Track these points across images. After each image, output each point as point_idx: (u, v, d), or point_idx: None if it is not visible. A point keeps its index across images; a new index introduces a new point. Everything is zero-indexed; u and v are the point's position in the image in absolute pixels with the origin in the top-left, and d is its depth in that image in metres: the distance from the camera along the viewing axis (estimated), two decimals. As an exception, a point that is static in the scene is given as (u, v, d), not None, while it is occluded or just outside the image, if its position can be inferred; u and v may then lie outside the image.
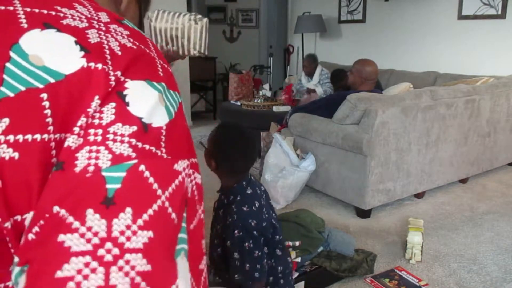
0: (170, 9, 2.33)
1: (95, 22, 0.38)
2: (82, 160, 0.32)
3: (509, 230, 2.62)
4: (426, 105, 2.87)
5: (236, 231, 1.41)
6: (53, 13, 0.37)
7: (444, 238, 2.53)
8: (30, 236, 0.31)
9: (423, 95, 2.91)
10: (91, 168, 0.32)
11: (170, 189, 0.35)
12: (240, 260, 1.39)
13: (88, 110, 0.34)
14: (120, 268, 0.31)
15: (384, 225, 2.70)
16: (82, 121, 0.33)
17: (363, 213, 2.79)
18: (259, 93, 4.91)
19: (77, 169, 0.32)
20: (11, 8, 0.37)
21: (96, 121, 0.34)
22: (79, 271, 0.30)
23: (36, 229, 0.31)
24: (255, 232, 1.42)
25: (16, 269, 0.31)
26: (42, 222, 0.31)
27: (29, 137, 0.32)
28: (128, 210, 0.32)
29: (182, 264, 0.35)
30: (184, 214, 0.36)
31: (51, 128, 0.32)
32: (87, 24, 0.37)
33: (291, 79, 5.81)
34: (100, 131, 0.33)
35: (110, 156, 0.33)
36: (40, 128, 0.32)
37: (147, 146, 0.34)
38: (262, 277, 1.41)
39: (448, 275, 2.14)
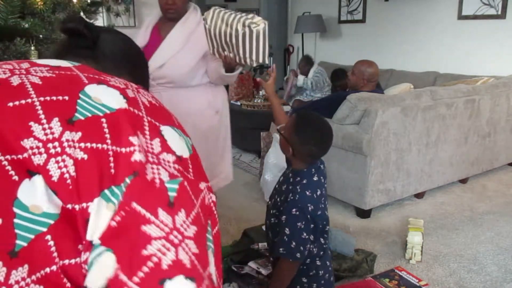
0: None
1: (129, 86, 0.55)
2: (149, 172, 0.46)
3: (509, 230, 2.62)
4: (426, 105, 2.87)
5: (293, 210, 1.54)
6: (102, 77, 0.53)
7: (444, 238, 2.53)
8: (113, 223, 0.43)
9: (423, 95, 2.91)
10: (158, 180, 0.46)
11: (199, 200, 0.49)
12: (289, 237, 1.52)
13: (135, 140, 0.47)
14: (183, 248, 0.44)
15: (384, 225, 2.70)
16: (135, 147, 0.46)
17: (363, 213, 2.79)
18: (259, 93, 4.91)
19: (148, 178, 0.45)
20: (74, 73, 0.52)
21: (150, 149, 0.48)
22: (158, 250, 0.43)
23: (117, 218, 0.43)
24: (309, 217, 1.54)
25: (98, 250, 0.42)
26: (123, 213, 0.43)
27: (94, 145, 0.45)
28: (182, 210, 0.46)
29: (211, 257, 0.49)
30: (209, 221, 0.51)
31: (108, 141, 0.46)
32: (125, 86, 0.53)
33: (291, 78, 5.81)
34: (155, 156, 0.47)
35: (167, 173, 0.47)
36: (101, 140, 0.46)
37: (183, 169, 0.49)
38: (300, 259, 1.53)
39: (448, 275, 2.14)
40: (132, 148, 0.46)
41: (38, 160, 0.43)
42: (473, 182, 3.43)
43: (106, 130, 0.46)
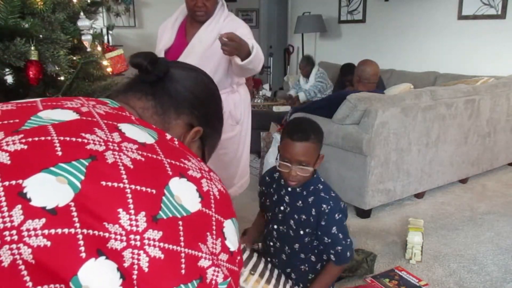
0: (170, 8, 2.25)
1: (204, 172, 0.59)
2: (209, 275, 0.53)
3: (509, 230, 2.62)
4: (426, 105, 2.87)
5: (336, 215, 1.57)
6: (182, 165, 0.57)
7: (444, 238, 2.53)
8: None
9: (423, 95, 2.91)
10: (214, 282, 0.53)
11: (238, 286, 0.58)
12: (345, 240, 1.59)
13: (208, 242, 0.54)
14: None
15: (384, 225, 2.70)
16: (205, 248, 0.53)
17: (363, 213, 2.79)
18: (259, 93, 4.91)
19: (207, 281, 0.52)
20: (159, 158, 0.56)
21: (214, 250, 0.54)
22: None
23: None
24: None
25: None
26: None
27: (170, 246, 0.50)
28: None
29: None
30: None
31: (182, 243, 0.50)
32: (200, 175, 0.58)
33: (291, 78, 5.81)
34: (215, 257, 0.54)
35: (222, 275, 0.54)
36: (177, 242, 0.50)
37: (231, 266, 0.57)
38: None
39: (448, 275, 2.14)
40: (199, 254, 0.52)
41: (116, 245, 0.47)
42: (473, 182, 3.43)
43: (181, 233, 0.51)
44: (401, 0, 5.04)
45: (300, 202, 1.62)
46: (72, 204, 0.46)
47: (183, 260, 0.50)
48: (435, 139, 2.98)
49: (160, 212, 0.50)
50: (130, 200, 0.49)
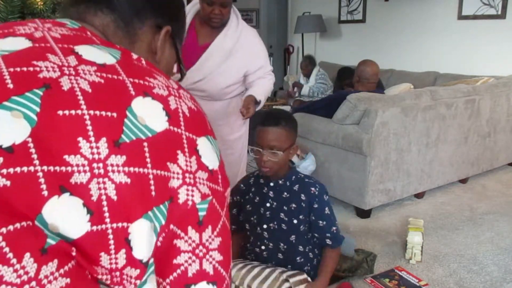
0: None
1: (172, 89, 0.56)
2: (182, 195, 0.51)
3: (509, 230, 2.62)
4: (426, 105, 2.87)
5: (324, 195, 1.65)
6: (147, 83, 0.54)
7: (444, 238, 2.53)
8: (158, 243, 0.50)
9: (423, 95, 2.91)
10: (190, 202, 0.51)
11: (224, 209, 0.55)
12: (335, 222, 1.66)
13: (178, 161, 0.51)
14: (207, 260, 0.52)
15: (384, 225, 2.70)
16: (176, 167, 0.51)
17: (363, 213, 2.79)
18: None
19: (180, 201, 0.51)
20: (121, 78, 0.52)
21: (189, 168, 0.52)
22: (185, 261, 0.51)
23: (160, 239, 0.50)
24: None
25: (151, 268, 0.49)
26: (163, 234, 0.50)
27: (136, 169, 0.48)
28: (209, 227, 0.53)
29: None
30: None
31: (149, 165, 0.48)
32: (167, 92, 0.55)
33: (291, 78, 5.81)
34: (191, 176, 0.51)
35: (199, 194, 0.52)
36: (143, 165, 0.48)
37: (213, 185, 0.54)
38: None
39: (448, 275, 2.14)
40: (168, 174, 0.50)
41: (80, 178, 0.45)
42: (473, 182, 3.43)
43: (147, 155, 0.49)
44: (401, 0, 5.04)
45: (285, 193, 1.66)
46: (30, 140, 0.44)
47: (152, 182, 0.48)
48: (435, 139, 2.98)
49: (122, 135, 0.48)
50: (90, 127, 0.46)
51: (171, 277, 0.50)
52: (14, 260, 0.41)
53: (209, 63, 1.96)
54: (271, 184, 1.69)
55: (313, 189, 1.65)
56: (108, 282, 0.48)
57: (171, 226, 0.50)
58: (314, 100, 4.64)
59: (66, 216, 0.44)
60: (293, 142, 1.64)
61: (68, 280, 0.44)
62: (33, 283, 0.42)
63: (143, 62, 0.58)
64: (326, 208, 1.66)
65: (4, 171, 0.43)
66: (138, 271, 0.48)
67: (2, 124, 0.44)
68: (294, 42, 6.88)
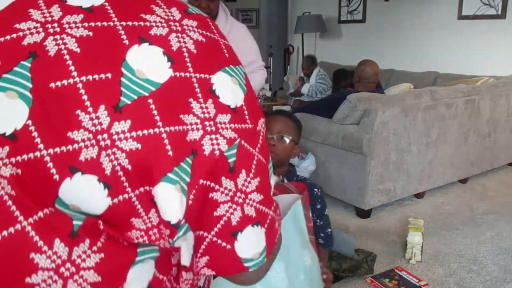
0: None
1: (172, 23, 0.48)
2: (207, 145, 0.45)
3: (509, 230, 2.62)
4: (426, 105, 2.87)
5: (324, 197, 1.69)
6: (142, 23, 0.46)
7: (444, 238, 2.53)
8: (189, 202, 0.45)
9: (423, 95, 2.91)
10: (217, 152, 0.46)
11: (258, 145, 0.50)
12: (330, 222, 1.68)
13: (193, 110, 0.45)
14: (247, 204, 0.48)
15: (384, 225, 2.70)
16: (191, 118, 0.45)
17: (363, 213, 2.79)
18: (259, 93, 4.91)
19: (206, 153, 0.45)
20: (111, 23, 0.45)
21: (206, 114, 0.46)
22: (226, 211, 0.47)
23: (191, 197, 0.45)
24: None
25: (184, 229, 0.46)
26: (194, 191, 0.45)
27: (145, 132, 0.43)
28: (243, 171, 0.48)
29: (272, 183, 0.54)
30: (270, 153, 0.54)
31: (159, 123, 0.43)
32: (167, 29, 0.47)
33: (291, 78, 5.81)
34: (211, 122, 0.46)
35: (225, 141, 0.46)
36: (152, 125, 0.43)
37: (239, 126, 0.48)
38: None
39: (448, 275, 2.14)
40: (185, 128, 0.44)
41: (89, 154, 0.42)
42: (473, 182, 3.43)
43: (155, 113, 0.43)
44: (401, 0, 5.04)
45: None
46: (30, 122, 0.41)
47: (166, 141, 0.43)
48: (435, 139, 2.98)
49: (122, 98, 0.42)
50: (85, 97, 0.41)
51: (215, 229, 0.47)
52: (45, 248, 0.41)
53: None
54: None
55: (316, 190, 1.69)
56: (147, 241, 0.46)
57: (201, 181, 0.45)
58: (314, 100, 4.64)
59: (83, 196, 0.43)
60: (296, 141, 1.70)
61: (102, 254, 0.44)
62: (68, 265, 0.42)
63: None
64: (326, 210, 1.70)
65: (13, 160, 0.41)
66: (168, 231, 0.46)
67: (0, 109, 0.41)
68: (294, 42, 6.88)
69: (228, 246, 0.48)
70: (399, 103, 2.76)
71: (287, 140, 1.65)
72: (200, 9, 1.94)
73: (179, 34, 0.47)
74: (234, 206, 0.48)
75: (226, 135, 0.46)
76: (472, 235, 2.56)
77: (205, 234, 0.48)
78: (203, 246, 0.48)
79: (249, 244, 0.49)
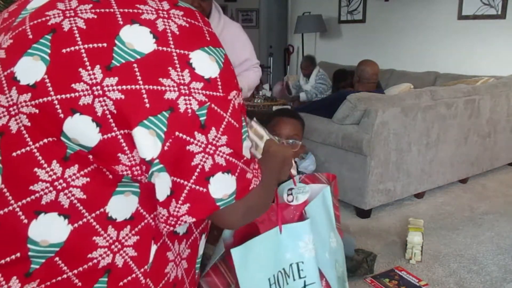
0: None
1: (161, 11, 0.60)
2: (182, 105, 0.57)
3: (509, 230, 2.62)
4: (426, 105, 2.87)
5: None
6: (136, 11, 0.59)
7: (444, 238, 2.53)
8: (165, 148, 0.57)
9: (423, 95, 2.91)
10: (190, 110, 0.57)
11: (229, 111, 0.61)
12: None
13: (171, 76, 0.57)
14: (217, 154, 0.59)
15: (384, 225, 2.70)
16: (169, 81, 0.57)
17: (363, 213, 2.79)
18: (259, 93, 4.91)
19: (181, 111, 0.57)
20: (112, 10, 0.59)
21: (182, 81, 0.57)
22: (200, 160, 0.58)
23: (167, 144, 0.56)
24: None
25: (157, 167, 0.57)
26: (171, 140, 0.57)
27: (129, 86, 0.56)
28: (213, 128, 0.59)
29: (245, 143, 0.64)
30: (243, 117, 0.64)
31: (140, 82, 0.56)
32: (155, 16, 0.60)
33: (291, 78, 5.82)
34: (186, 87, 0.57)
35: (196, 102, 0.58)
36: (134, 82, 0.56)
37: (210, 92, 0.59)
38: None
39: (448, 275, 2.14)
40: (162, 88, 0.57)
41: (86, 100, 0.56)
42: (473, 182, 3.43)
43: (138, 74, 0.56)
44: (401, 0, 5.04)
45: None
46: (46, 76, 0.56)
47: (145, 96, 0.56)
48: (435, 139, 2.98)
49: (113, 61, 0.56)
50: (86, 59, 0.56)
51: (193, 177, 0.58)
52: (45, 165, 0.57)
53: None
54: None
55: None
56: (130, 175, 0.59)
57: (177, 133, 0.57)
58: (314, 100, 4.64)
59: (81, 131, 0.56)
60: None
61: (88, 179, 0.58)
62: (61, 181, 0.57)
63: None
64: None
65: (33, 102, 0.57)
66: (144, 167, 0.58)
67: (29, 67, 0.57)
68: (294, 42, 6.88)
69: (204, 190, 0.59)
70: (399, 103, 2.76)
71: (298, 143, 1.62)
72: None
73: (165, 20, 0.60)
74: (206, 156, 0.59)
75: (197, 98, 0.58)
76: (472, 235, 2.56)
77: (185, 182, 0.59)
78: (184, 195, 0.59)
79: (220, 186, 0.60)
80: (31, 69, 0.57)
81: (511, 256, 2.31)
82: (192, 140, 0.58)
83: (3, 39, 0.62)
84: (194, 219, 0.60)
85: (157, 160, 0.57)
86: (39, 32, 0.59)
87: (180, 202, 0.59)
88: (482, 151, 3.40)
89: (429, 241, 2.45)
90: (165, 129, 0.56)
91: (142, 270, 0.63)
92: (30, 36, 0.59)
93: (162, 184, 0.59)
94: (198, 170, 0.59)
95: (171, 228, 0.61)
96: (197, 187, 0.59)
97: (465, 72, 4.24)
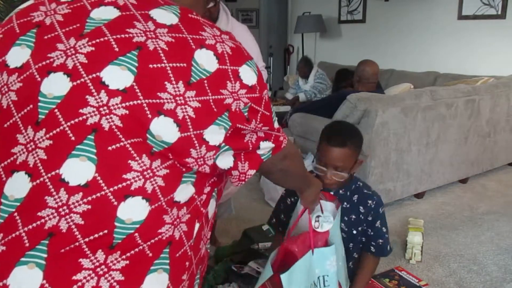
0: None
1: (217, 37, 0.76)
2: (234, 107, 0.75)
3: (509, 230, 2.62)
4: (426, 105, 2.87)
5: (380, 209, 1.66)
6: (201, 37, 0.73)
7: (444, 238, 2.53)
8: (227, 134, 0.75)
9: (423, 95, 2.91)
10: (238, 110, 0.76)
11: (262, 105, 0.81)
12: (387, 234, 1.67)
13: (227, 87, 0.73)
14: (259, 131, 0.82)
15: (384, 225, 2.70)
16: (226, 92, 0.73)
17: (363, 213, 2.79)
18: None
19: (233, 110, 0.75)
20: (184, 35, 0.72)
21: (234, 90, 0.74)
22: (250, 137, 0.81)
23: (229, 132, 0.76)
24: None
25: (224, 148, 0.75)
26: (232, 129, 0.76)
27: (203, 98, 0.72)
28: (253, 120, 0.80)
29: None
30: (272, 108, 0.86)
31: (209, 93, 0.72)
32: (214, 41, 0.74)
33: (290, 78, 5.82)
34: (236, 94, 0.75)
35: (243, 103, 0.76)
36: (205, 94, 0.72)
37: (251, 95, 0.78)
38: None
39: (448, 275, 2.14)
40: (222, 96, 0.72)
41: (169, 106, 0.68)
42: (473, 182, 3.43)
43: (207, 87, 0.70)
44: (401, 0, 5.04)
45: (345, 203, 1.62)
46: (134, 84, 0.67)
47: (212, 104, 0.71)
48: (435, 139, 2.98)
49: (191, 78, 0.70)
50: (171, 75, 0.68)
51: (249, 148, 0.80)
52: (137, 158, 0.68)
53: None
54: (332, 193, 1.62)
55: (370, 202, 1.62)
56: (196, 166, 0.73)
57: (238, 125, 0.75)
58: (314, 100, 4.64)
59: (164, 129, 0.68)
60: (357, 158, 1.59)
61: (168, 170, 0.71)
62: (148, 171, 0.68)
63: (194, 14, 0.77)
64: (378, 222, 1.64)
65: (124, 104, 0.67)
66: (213, 151, 0.74)
67: (117, 75, 0.67)
68: (294, 42, 6.88)
69: (256, 152, 0.82)
70: (399, 103, 2.76)
71: (344, 174, 1.54)
72: (199, 13, 1.91)
73: (221, 44, 0.75)
74: (253, 134, 0.80)
75: (243, 100, 0.75)
76: (472, 235, 2.56)
77: (244, 152, 0.80)
78: (243, 158, 0.81)
79: (263, 147, 0.83)
80: (120, 77, 0.67)
81: (511, 256, 2.31)
82: (244, 126, 0.77)
83: (77, 43, 0.70)
84: (255, 171, 0.83)
85: (223, 143, 0.74)
86: (125, 47, 0.69)
87: (243, 162, 0.81)
88: (482, 151, 3.40)
89: (429, 241, 2.45)
90: (230, 124, 0.74)
91: (188, 243, 0.78)
92: (116, 49, 0.69)
93: (227, 157, 0.78)
94: (250, 144, 0.80)
95: (243, 183, 0.84)
96: (252, 153, 0.82)
97: (465, 72, 4.23)
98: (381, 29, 5.35)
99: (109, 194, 0.67)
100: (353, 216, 1.65)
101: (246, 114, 0.76)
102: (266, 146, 0.84)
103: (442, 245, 2.44)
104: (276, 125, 0.87)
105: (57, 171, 0.65)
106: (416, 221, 2.40)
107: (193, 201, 0.78)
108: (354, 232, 1.66)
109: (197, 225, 0.81)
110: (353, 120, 2.73)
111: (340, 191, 1.64)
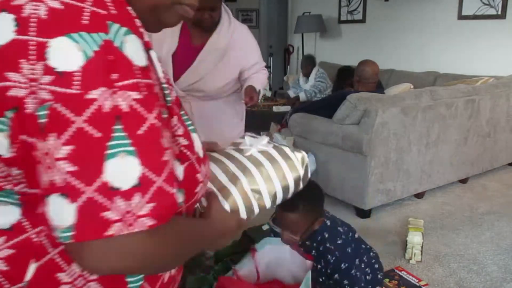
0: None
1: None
2: (30, 104, 0.50)
3: (509, 230, 2.62)
4: (426, 105, 2.87)
5: (342, 264, 1.60)
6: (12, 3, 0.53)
7: (444, 238, 2.53)
8: (13, 153, 0.55)
9: (423, 95, 2.91)
10: (32, 109, 0.50)
11: (86, 113, 0.49)
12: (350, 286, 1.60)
13: (23, 70, 0.50)
14: (57, 169, 0.51)
15: (384, 225, 2.70)
16: (18, 76, 0.50)
17: (363, 213, 2.79)
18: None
19: (27, 111, 0.50)
20: None
21: (33, 76, 0.50)
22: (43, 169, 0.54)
23: (15, 146, 0.54)
24: (357, 260, 1.67)
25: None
26: (17, 143, 0.53)
27: None
28: (53, 135, 0.49)
29: (115, 162, 0.52)
30: (120, 126, 0.51)
31: None
32: (25, 1, 0.52)
33: (290, 78, 5.82)
34: (37, 83, 0.50)
35: (38, 100, 0.49)
36: None
37: (59, 89, 0.49)
38: None
39: (448, 275, 2.14)
40: (8, 84, 0.50)
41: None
42: (473, 182, 3.43)
43: None
44: (401, 0, 5.04)
45: (313, 252, 1.66)
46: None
47: None
48: (435, 139, 2.98)
49: None
50: None
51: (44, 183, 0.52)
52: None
53: (205, 64, 1.96)
54: (299, 242, 1.64)
55: (329, 256, 1.61)
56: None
57: (20, 137, 0.51)
58: (314, 100, 4.64)
59: None
60: (316, 217, 1.58)
61: None
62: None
63: None
64: (336, 275, 1.63)
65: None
66: None
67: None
68: (294, 42, 6.87)
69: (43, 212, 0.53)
70: (399, 103, 2.76)
71: (295, 238, 1.55)
72: (203, 19, 1.91)
73: (36, 3, 0.52)
74: (54, 170, 0.51)
75: (41, 95, 0.50)
76: (472, 235, 2.56)
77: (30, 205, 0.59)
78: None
79: (55, 213, 0.51)
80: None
81: (511, 256, 2.31)
82: (36, 143, 0.52)
83: None
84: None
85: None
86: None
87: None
88: (482, 151, 3.40)
89: (429, 241, 2.45)
90: (8, 132, 0.53)
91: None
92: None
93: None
94: (45, 182, 0.54)
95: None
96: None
97: (465, 72, 4.23)
98: (381, 29, 5.35)
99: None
100: (319, 266, 1.66)
101: (42, 120, 0.49)
102: (57, 208, 0.51)
103: (442, 245, 2.44)
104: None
105: None
106: (416, 221, 2.40)
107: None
108: (321, 279, 1.68)
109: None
110: (353, 120, 2.74)
111: (307, 242, 1.66)
